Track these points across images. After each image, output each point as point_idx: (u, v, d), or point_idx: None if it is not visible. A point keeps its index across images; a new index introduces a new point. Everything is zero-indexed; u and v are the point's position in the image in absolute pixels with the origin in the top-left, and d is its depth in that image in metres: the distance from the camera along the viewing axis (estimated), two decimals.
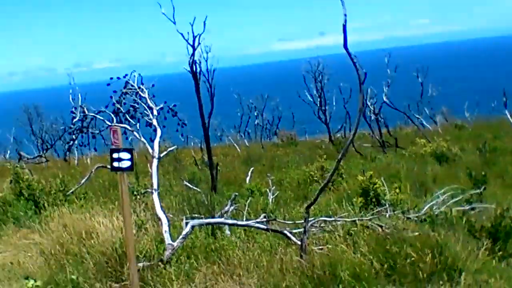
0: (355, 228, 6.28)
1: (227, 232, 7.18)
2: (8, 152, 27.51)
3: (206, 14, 11.19)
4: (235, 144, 24.28)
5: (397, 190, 7.95)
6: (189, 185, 11.22)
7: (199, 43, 11.73)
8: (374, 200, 8.00)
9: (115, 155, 5.44)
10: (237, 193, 9.71)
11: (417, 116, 27.13)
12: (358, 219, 6.54)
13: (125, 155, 5.42)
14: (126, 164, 5.42)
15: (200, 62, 12.20)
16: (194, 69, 11.92)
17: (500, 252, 5.80)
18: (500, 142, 17.53)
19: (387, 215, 6.70)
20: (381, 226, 6.12)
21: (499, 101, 25.52)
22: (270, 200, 9.80)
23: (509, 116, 22.39)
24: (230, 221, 7.10)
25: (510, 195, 9.66)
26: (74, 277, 5.87)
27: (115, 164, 5.44)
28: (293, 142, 24.93)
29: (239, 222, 7.00)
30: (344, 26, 5.17)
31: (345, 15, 5.14)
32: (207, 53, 12.41)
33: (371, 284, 4.77)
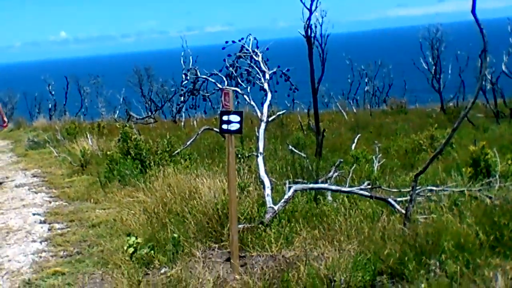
0: (462, 199, 6.09)
1: (329, 198, 7.16)
2: (117, 112, 28.69)
3: None
4: (342, 111, 24.07)
5: (509, 161, 7.59)
6: (294, 150, 11.28)
7: (316, 7, 11.58)
8: (484, 171, 7.68)
9: (224, 118, 5.44)
10: (341, 160, 9.66)
11: None
12: (467, 189, 6.34)
13: (234, 118, 5.42)
14: (235, 126, 5.42)
15: (315, 27, 12.05)
16: (309, 33, 11.78)
17: None
18: None
19: (497, 186, 6.44)
20: (490, 197, 5.89)
21: None
22: (375, 167, 9.68)
23: None
24: (334, 187, 7.06)
25: None
26: (175, 235, 5.98)
27: (224, 126, 5.45)
28: (402, 110, 24.36)
29: (343, 189, 6.95)
30: None
31: None
32: (322, 17, 12.22)
33: (475, 255, 4.60)
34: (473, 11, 5.05)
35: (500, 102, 22.04)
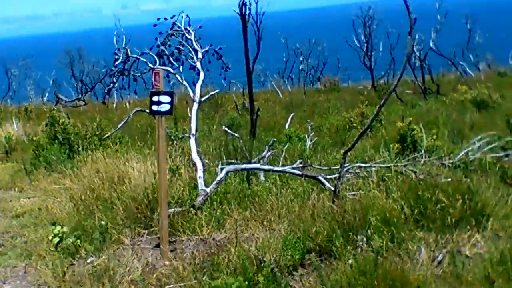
0: (389, 174, 6.21)
1: (262, 178, 7.17)
2: (47, 95, 27.72)
3: None
4: (277, 90, 24.18)
5: (434, 137, 7.81)
6: (228, 130, 11.22)
7: None
8: (410, 146, 7.88)
9: (155, 98, 5.34)
10: (275, 139, 9.68)
11: (461, 63, 26.47)
12: (393, 165, 6.47)
13: (165, 99, 5.32)
14: (165, 107, 5.32)
15: (250, 4, 11.89)
16: (244, 11, 11.62)
17: None
18: None
19: (422, 161, 6.60)
20: (415, 172, 6.04)
21: None
22: (308, 146, 9.76)
23: None
24: (266, 167, 7.06)
25: None
26: (103, 222, 5.83)
27: (154, 107, 5.36)
28: (335, 88, 24.77)
29: (275, 168, 6.98)
30: None
31: None
32: None
33: (400, 229, 4.72)
34: None
35: (428, 79, 22.68)
